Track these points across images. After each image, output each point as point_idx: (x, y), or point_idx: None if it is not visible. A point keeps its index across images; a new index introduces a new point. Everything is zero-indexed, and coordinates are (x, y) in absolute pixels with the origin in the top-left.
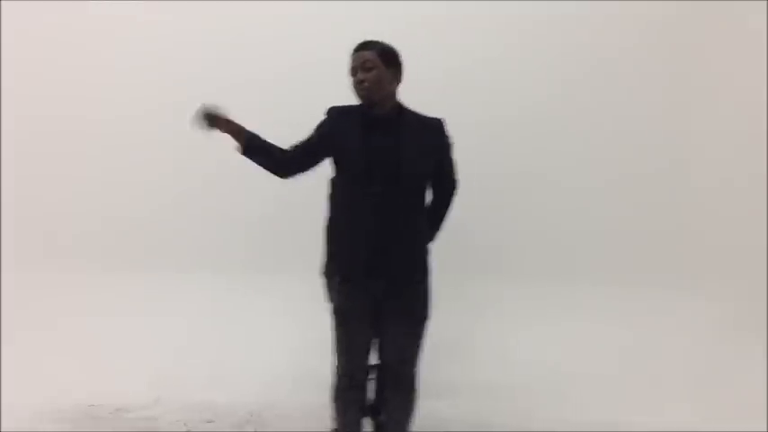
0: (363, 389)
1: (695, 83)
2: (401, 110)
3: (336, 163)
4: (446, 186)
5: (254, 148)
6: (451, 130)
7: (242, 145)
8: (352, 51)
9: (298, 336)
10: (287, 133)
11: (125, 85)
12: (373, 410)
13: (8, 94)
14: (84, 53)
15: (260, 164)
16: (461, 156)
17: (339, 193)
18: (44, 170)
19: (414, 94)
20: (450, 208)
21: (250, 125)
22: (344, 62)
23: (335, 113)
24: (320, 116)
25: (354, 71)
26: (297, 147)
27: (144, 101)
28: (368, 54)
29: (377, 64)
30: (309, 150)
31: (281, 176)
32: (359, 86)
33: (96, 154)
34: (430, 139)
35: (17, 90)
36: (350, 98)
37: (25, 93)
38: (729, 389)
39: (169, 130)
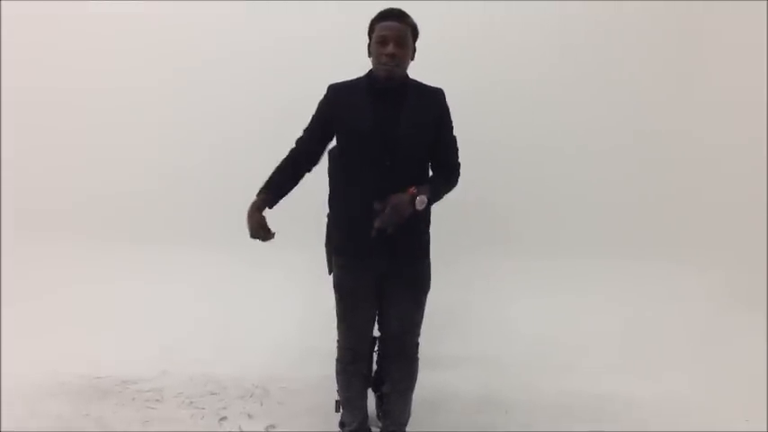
0: (367, 361)
1: (696, 57)
2: (406, 80)
3: (342, 138)
4: (448, 168)
5: (277, 198)
6: (453, 100)
7: (270, 206)
8: (379, 17)
9: (302, 308)
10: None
11: (127, 60)
12: (376, 382)
13: (8, 69)
14: (84, 29)
15: (291, 189)
16: (460, 129)
17: (341, 167)
18: (51, 143)
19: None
20: (450, 187)
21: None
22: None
23: (336, 91)
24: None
25: (384, 41)
26: (304, 140)
27: (147, 75)
28: (403, 28)
29: (409, 40)
30: (316, 138)
31: (308, 172)
32: (389, 59)
33: (101, 126)
34: (431, 109)
35: (17, 64)
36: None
37: (25, 66)
38: (728, 359)
39: (175, 101)
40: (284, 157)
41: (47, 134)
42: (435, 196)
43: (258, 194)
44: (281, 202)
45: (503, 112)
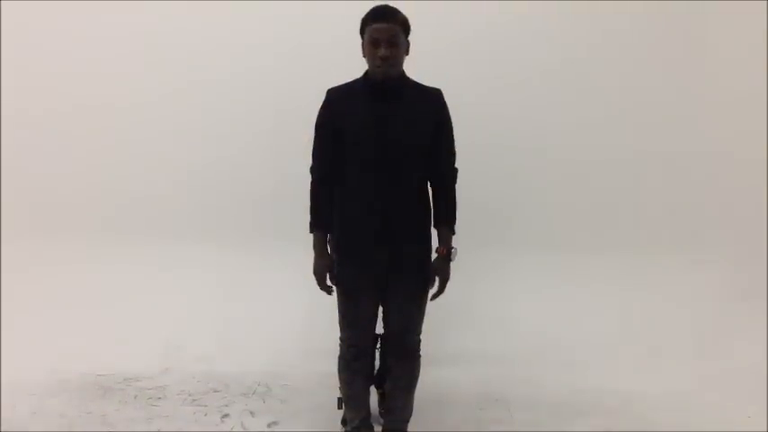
0: (369, 359)
1: (694, 54)
2: (404, 79)
3: (342, 140)
4: (444, 172)
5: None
6: (452, 96)
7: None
8: (369, 18)
9: (305, 306)
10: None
11: (133, 56)
12: (379, 379)
13: (8, 68)
14: (90, 22)
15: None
16: (462, 123)
17: (344, 166)
18: (52, 139)
19: (413, 60)
20: (454, 198)
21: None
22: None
23: (335, 94)
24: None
25: (376, 43)
26: (322, 157)
27: (153, 71)
28: (394, 27)
29: (401, 39)
30: (329, 147)
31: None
32: (383, 62)
33: (102, 124)
34: (430, 110)
35: (18, 60)
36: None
37: (27, 62)
38: (730, 355)
39: (177, 101)
40: (313, 183)
41: (47, 133)
42: (453, 224)
43: (313, 232)
44: (283, 198)
45: (504, 109)
